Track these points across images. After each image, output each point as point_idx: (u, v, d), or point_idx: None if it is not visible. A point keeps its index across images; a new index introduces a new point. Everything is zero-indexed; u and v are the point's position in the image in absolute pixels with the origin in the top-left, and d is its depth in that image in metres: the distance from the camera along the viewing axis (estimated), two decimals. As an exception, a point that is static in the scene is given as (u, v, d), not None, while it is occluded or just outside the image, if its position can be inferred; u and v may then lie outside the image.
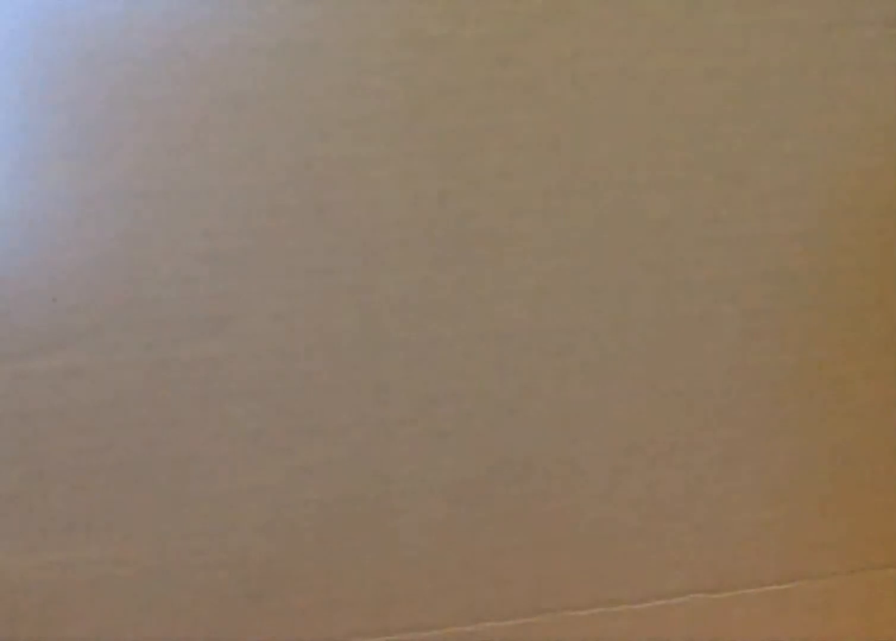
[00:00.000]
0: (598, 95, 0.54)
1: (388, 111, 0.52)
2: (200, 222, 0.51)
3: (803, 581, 0.63)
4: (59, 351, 0.51)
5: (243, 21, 0.50)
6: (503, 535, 0.59)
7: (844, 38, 0.56)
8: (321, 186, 0.52)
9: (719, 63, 0.55)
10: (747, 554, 0.62)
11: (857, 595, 0.65)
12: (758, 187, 0.57)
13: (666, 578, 0.62)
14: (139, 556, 0.54)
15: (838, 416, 0.61)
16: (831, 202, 0.58)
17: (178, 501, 0.54)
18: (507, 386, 0.57)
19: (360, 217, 0.53)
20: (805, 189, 0.58)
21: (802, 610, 0.64)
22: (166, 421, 0.53)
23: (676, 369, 0.58)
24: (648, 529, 0.61)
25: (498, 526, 0.59)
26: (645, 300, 0.57)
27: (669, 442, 0.59)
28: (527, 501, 0.58)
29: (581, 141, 0.54)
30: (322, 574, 0.57)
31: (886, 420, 0.62)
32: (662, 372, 0.58)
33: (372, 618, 0.58)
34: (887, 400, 0.62)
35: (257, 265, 0.52)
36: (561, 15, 0.53)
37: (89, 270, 0.51)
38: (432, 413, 0.56)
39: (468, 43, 0.52)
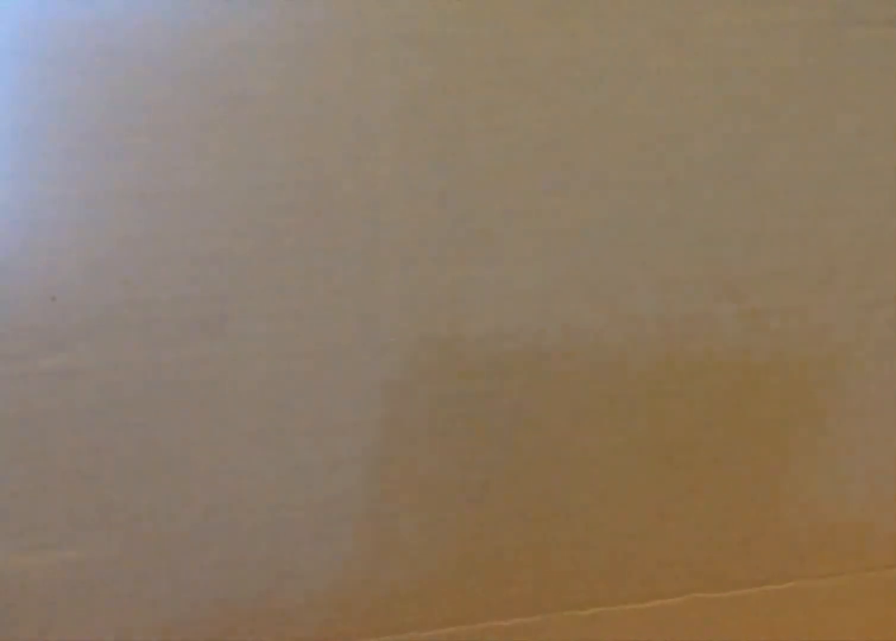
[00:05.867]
0: (598, 95, 0.54)
1: (388, 111, 0.52)
2: (200, 222, 0.51)
3: (803, 581, 0.63)
4: (59, 352, 0.51)
5: (243, 21, 0.50)
6: (503, 535, 0.59)
7: (844, 38, 0.56)
8: (321, 186, 0.52)
9: (719, 63, 0.55)
10: (747, 554, 0.62)
11: (857, 595, 0.65)
12: (758, 187, 0.57)
13: (666, 578, 0.62)
14: (139, 556, 0.54)
15: (838, 416, 0.61)
16: (831, 202, 0.58)
17: (178, 501, 0.54)
18: (507, 387, 0.57)
19: (360, 217, 0.53)
20: (806, 189, 0.58)
21: (802, 610, 0.64)
22: (166, 422, 0.53)
23: (676, 369, 0.58)
24: (648, 529, 0.61)
25: (498, 526, 0.59)
26: (645, 300, 0.57)
27: (669, 442, 0.59)
28: (527, 501, 0.59)
29: (581, 141, 0.54)
30: (322, 574, 0.57)
31: (886, 420, 0.62)
32: (662, 371, 0.58)
33: (372, 618, 0.58)
34: (887, 400, 0.62)
35: (257, 265, 0.52)
36: (561, 15, 0.53)
37: (89, 270, 0.51)
38: (432, 413, 0.56)
39: (468, 43, 0.52)
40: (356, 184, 0.52)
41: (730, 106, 0.56)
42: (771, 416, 0.61)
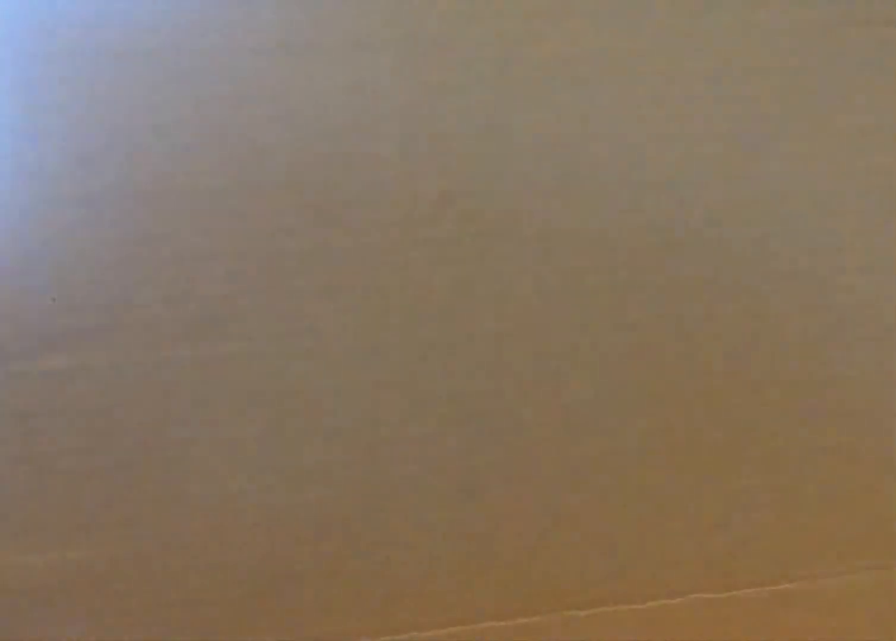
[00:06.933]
0: (599, 95, 0.54)
1: (388, 111, 0.52)
2: (200, 222, 0.51)
3: (803, 581, 0.63)
4: (59, 352, 0.51)
5: (243, 21, 0.50)
6: (503, 535, 0.59)
7: (844, 38, 0.56)
8: (321, 186, 0.52)
9: (720, 63, 0.55)
10: (747, 554, 0.62)
11: (858, 595, 0.65)
12: (758, 187, 0.57)
13: (666, 578, 0.62)
14: (139, 556, 0.54)
15: (838, 416, 0.61)
16: (831, 202, 0.58)
17: (178, 501, 0.54)
18: (508, 386, 0.57)
19: (360, 217, 0.53)
20: (805, 189, 0.58)
21: (802, 610, 0.64)
22: (166, 422, 0.53)
23: (676, 369, 0.58)
24: (648, 529, 0.61)
25: (498, 526, 0.59)
26: (645, 300, 0.57)
27: (669, 441, 0.59)
28: (527, 501, 0.58)
29: (581, 141, 0.54)
30: (322, 573, 0.57)
31: (886, 420, 0.62)
32: (662, 372, 0.58)
33: (372, 618, 0.58)
34: (887, 400, 0.62)
35: (257, 265, 0.52)
36: (561, 15, 0.53)
37: (89, 270, 0.51)
38: (432, 413, 0.56)
39: (468, 43, 0.52)
40: (356, 183, 0.52)
41: (730, 106, 0.56)
42: (771, 416, 0.61)
